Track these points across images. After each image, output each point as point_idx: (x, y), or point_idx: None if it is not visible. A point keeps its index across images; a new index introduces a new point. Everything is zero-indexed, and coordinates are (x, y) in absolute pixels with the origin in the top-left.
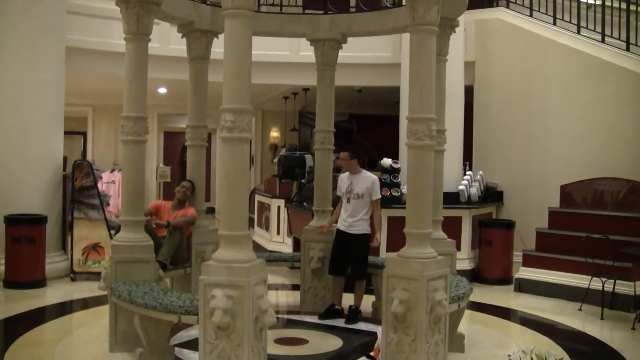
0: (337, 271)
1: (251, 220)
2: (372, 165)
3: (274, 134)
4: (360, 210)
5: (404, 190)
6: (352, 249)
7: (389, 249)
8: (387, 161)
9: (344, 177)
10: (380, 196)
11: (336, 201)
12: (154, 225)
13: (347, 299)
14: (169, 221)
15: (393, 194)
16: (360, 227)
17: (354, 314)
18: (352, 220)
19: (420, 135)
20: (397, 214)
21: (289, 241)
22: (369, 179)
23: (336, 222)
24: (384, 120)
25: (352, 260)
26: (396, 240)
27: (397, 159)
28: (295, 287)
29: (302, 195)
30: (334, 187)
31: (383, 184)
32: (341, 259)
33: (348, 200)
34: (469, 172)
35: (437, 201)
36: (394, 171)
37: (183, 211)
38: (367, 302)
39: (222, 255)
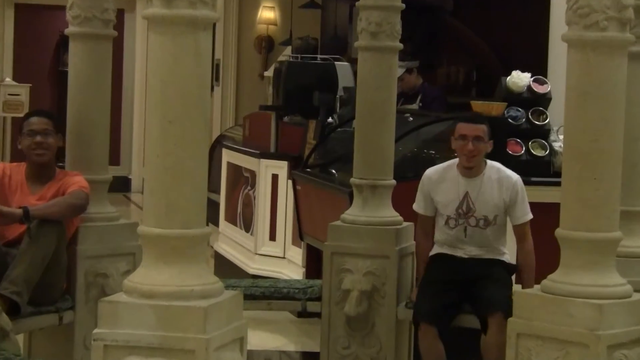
0: (437, 316)
1: (212, 206)
2: (488, 89)
3: (267, 14)
4: (488, 243)
5: (559, 146)
6: (481, 279)
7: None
8: (520, 78)
9: (439, 179)
10: (531, 215)
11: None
12: None
13: None
14: (26, 208)
15: (534, 152)
16: (496, 255)
17: None
18: (475, 249)
19: (598, 19)
20: (543, 197)
21: (297, 253)
22: (504, 183)
23: (424, 260)
24: None
25: (485, 288)
26: (537, 257)
27: (544, 75)
28: (309, 357)
29: (327, 153)
30: (402, 141)
31: (513, 131)
32: (448, 294)
33: (465, 231)
34: None
35: (636, 171)
36: (535, 101)
37: (57, 185)
38: None
39: (146, 279)
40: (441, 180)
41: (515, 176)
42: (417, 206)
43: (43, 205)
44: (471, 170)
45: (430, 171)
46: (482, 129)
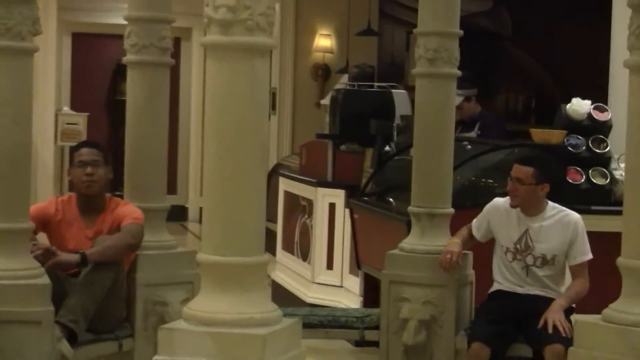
0: (491, 339)
1: (269, 235)
2: (547, 116)
3: (323, 42)
4: (546, 283)
5: (620, 175)
6: (539, 314)
7: (580, 307)
8: (580, 105)
9: (503, 211)
10: (590, 256)
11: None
12: (43, 259)
13: None
14: (83, 253)
15: (594, 181)
16: (556, 295)
17: None
18: (531, 288)
19: None
20: (603, 226)
21: (355, 282)
22: (564, 222)
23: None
24: (575, 19)
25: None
26: (597, 287)
27: (605, 103)
28: None
29: (385, 181)
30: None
31: (572, 159)
32: (504, 324)
33: (524, 268)
34: None
35: None
36: (596, 129)
37: (111, 218)
38: None
39: (204, 307)
40: (506, 211)
41: (576, 215)
42: (474, 225)
43: (101, 248)
44: (525, 209)
45: (498, 199)
46: (524, 171)
